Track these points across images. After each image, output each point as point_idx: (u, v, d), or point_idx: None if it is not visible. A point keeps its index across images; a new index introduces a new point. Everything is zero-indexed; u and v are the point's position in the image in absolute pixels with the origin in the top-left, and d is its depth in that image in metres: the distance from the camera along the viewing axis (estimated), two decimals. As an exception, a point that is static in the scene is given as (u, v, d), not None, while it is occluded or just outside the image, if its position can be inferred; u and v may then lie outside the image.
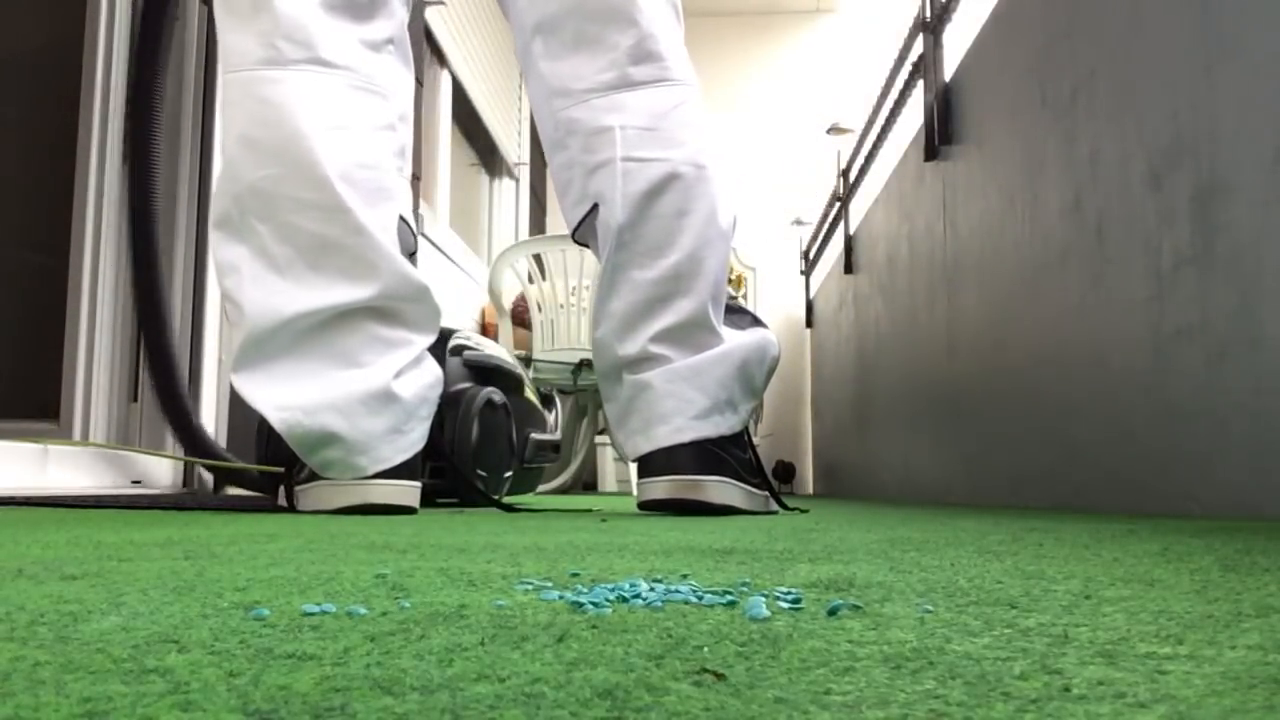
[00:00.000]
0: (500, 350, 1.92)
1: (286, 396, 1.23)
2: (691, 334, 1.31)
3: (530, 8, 1.35)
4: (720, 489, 1.29)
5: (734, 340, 1.34)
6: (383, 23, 1.32)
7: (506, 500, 1.82)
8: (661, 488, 1.29)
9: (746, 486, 1.33)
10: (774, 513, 1.38)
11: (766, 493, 1.39)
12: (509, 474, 1.76)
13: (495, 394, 1.70)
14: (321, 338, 1.25)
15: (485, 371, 1.73)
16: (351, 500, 1.24)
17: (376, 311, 1.27)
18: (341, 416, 1.23)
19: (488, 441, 1.60)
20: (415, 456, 1.29)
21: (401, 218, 1.32)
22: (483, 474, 1.61)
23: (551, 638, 0.31)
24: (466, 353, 1.71)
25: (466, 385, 1.66)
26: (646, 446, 1.31)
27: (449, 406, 1.54)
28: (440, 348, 1.53)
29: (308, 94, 1.25)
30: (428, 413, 1.32)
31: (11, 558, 0.55)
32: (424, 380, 1.32)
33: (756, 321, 1.41)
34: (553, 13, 1.33)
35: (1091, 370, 1.61)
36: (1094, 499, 1.59)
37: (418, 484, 1.30)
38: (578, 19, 1.32)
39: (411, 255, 1.34)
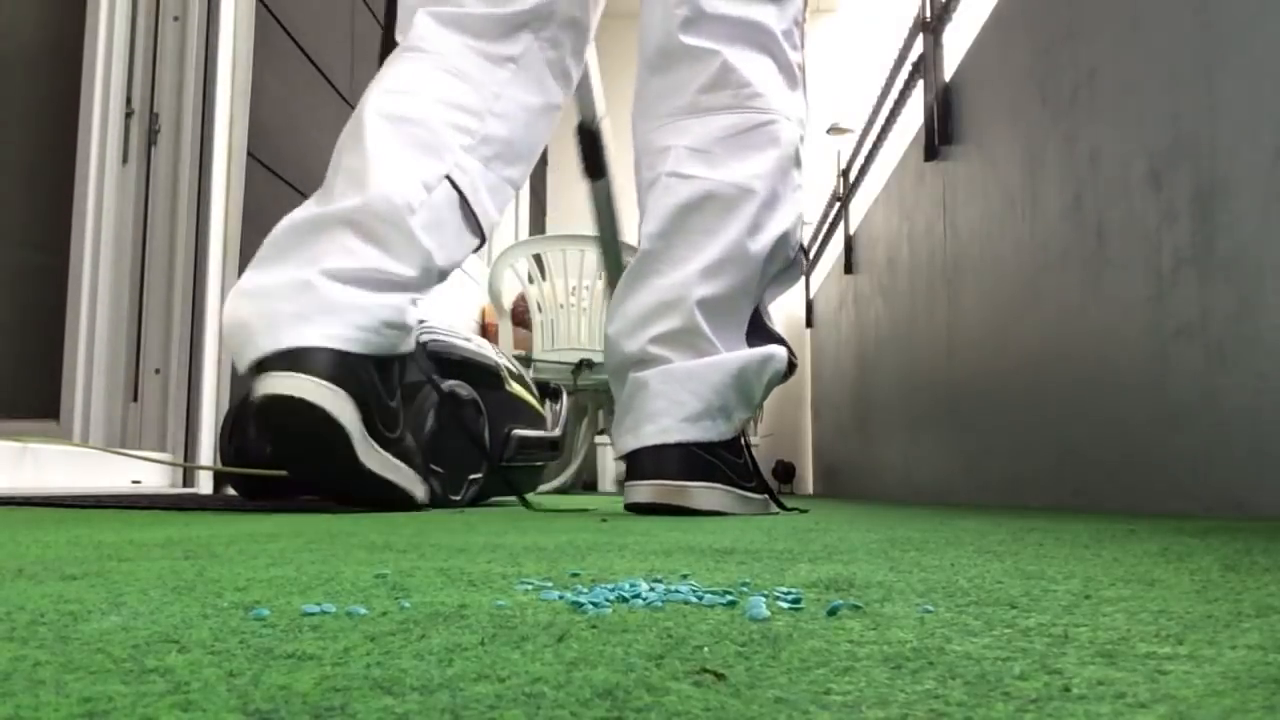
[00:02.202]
0: (481, 344, 1.86)
1: (239, 285, 1.23)
2: (693, 339, 1.32)
3: (641, 45, 1.45)
4: (707, 494, 1.29)
5: (738, 351, 1.34)
6: (506, 44, 1.38)
7: (497, 500, 1.80)
8: (646, 491, 1.30)
9: (739, 491, 1.33)
10: (774, 514, 1.38)
11: (764, 495, 1.39)
12: (477, 474, 1.70)
13: (460, 387, 1.64)
14: (299, 242, 1.24)
15: (451, 363, 1.67)
16: (255, 395, 1.18)
17: (353, 224, 1.23)
18: (255, 300, 1.20)
19: (446, 437, 1.53)
20: (329, 354, 1.17)
21: (466, 201, 1.30)
22: (439, 470, 1.50)
23: (551, 638, 0.31)
24: (431, 344, 1.62)
25: (428, 378, 1.60)
26: (634, 444, 1.31)
27: (405, 400, 1.50)
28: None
29: (389, 68, 1.35)
30: (366, 322, 1.21)
31: (11, 558, 0.55)
32: (375, 299, 1.22)
33: (780, 342, 1.42)
34: (651, 48, 1.42)
35: (1091, 370, 1.61)
36: (1094, 499, 1.59)
37: (317, 381, 1.17)
38: (666, 54, 1.40)
39: (478, 247, 1.38)
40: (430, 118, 1.30)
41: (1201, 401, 1.28)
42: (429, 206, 1.27)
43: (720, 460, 1.31)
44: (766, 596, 0.40)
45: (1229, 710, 0.22)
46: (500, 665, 0.26)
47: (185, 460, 2.01)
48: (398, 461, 1.29)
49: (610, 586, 0.42)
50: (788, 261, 1.41)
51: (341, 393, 1.18)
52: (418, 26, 1.36)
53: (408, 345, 1.29)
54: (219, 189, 2.08)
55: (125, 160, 2.07)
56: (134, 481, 1.92)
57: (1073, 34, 1.71)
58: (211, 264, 2.06)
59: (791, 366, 1.41)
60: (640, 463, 1.31)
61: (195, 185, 2.07)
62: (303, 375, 1.16)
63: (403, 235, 1.25)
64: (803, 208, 1.43)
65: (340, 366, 1.18)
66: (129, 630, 0.31)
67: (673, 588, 0.42)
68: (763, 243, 1.35)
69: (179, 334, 2.05)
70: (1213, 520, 1.11)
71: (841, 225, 4.10)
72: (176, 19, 2.09)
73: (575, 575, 0.49)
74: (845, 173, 4.11)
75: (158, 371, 2.04)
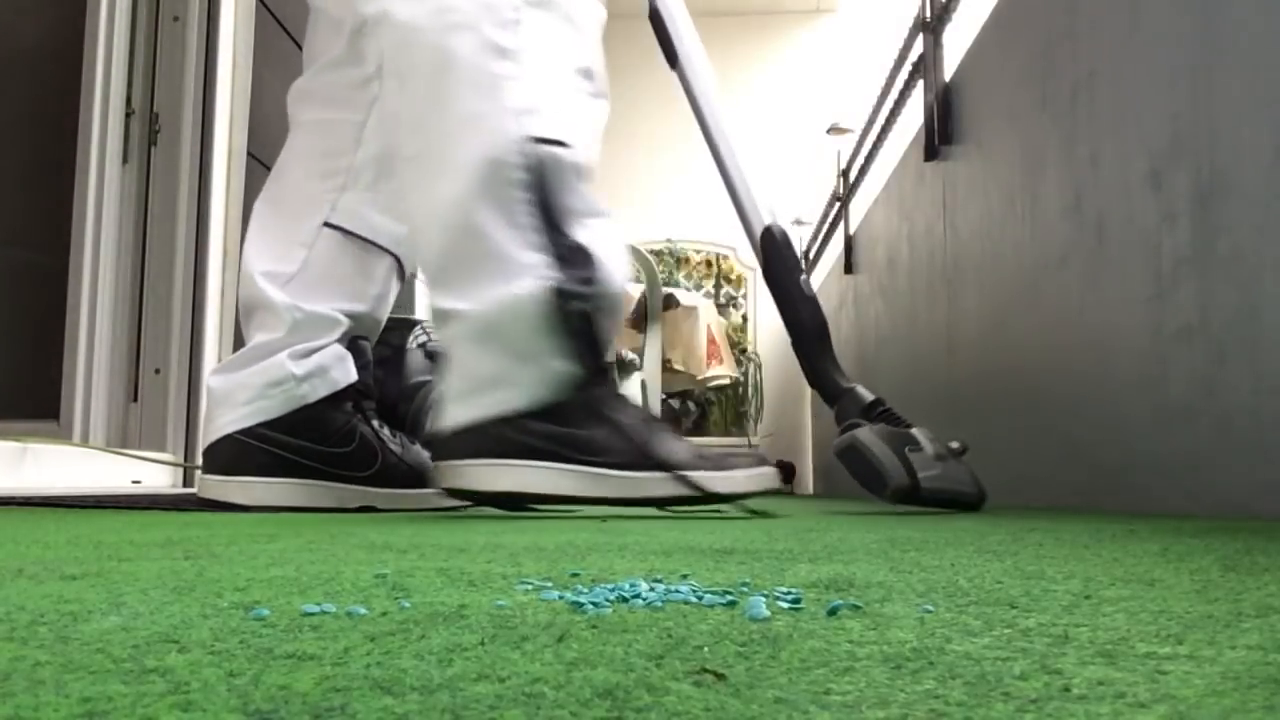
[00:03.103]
0: None
1: None
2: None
3: None
4: (498, 473, 1.10)
5: (480, 310, 1.13)
6: (365, 64, 1.35)
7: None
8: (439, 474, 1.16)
9: (578, 467, 1.10)
10: (700, 495, 1.15)
11: (657, 473, 1.12)
12: None
13: None
14: None
15: None
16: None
17: (240, 312, 1.40)
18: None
19: None
20: (225, 443, 1.33)
21: (352, 233, 1.38)
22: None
23: (551, 638, 0.31)
24: (431, 344, 1.62)
25: (428, 377, 1.60)
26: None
27: (404, 400, 1.49)
28: (401, 339, 1.53)
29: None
30: (249, 395, 1.34)
31: (11, 558, 0.55)
32: (248, 373, 1.34)
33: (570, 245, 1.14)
34: None
35: (1091, 370, 1.61)
36: (1094, 499, 1.59)
37: (220, 479, 1.33)
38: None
39: (400, 264, 1.43)
40: (300, 181, 1.40)
41: (1201, 402, 1.28)
42: (312, 262, 1.36)
43: (529, 434, 1.10)
44: (766, 596, 0.40)
45: (1229, 710, 0.22)
46: (500, 665, 0.26)
47: (185, 460, 2.01)
48: (400, 491, 1.36)
49: (610, 586, 0.42)
50: (525, 166, 1.12)
51: (234, 479, 1.31)
52: (288, 101, 1.45)
53: (314, 391, 1.34)
54: (219, 189, 2.08)
55: (125, 160, 2.07)
56: (134, 481, 1.92)
57: (1073, 34, 1.71)
58: (211, 264, 2.06)
59: (580, 296, 1.11)
60: (439, 445, 1.18)
61: (195, 185, 2.07)
62: (210, 477, 1.33)
63: (261, 305, 1.36)
64: (512, 98, 1.13)
65: (235, 446, 1.32)
66: (129, 630, 0.31)
67: (673, 588, 0.42)
68: (444, 166, 1.15)
69: (179, 334, 2.05)
70: (1213, 520, 1.11)
71: (841, 225, 4.10)
72: (176, 19, 2.10)
73: (575, 575, 0.49)
74: (845, 173, 4.11)
75: (158, 371, 2.04)
